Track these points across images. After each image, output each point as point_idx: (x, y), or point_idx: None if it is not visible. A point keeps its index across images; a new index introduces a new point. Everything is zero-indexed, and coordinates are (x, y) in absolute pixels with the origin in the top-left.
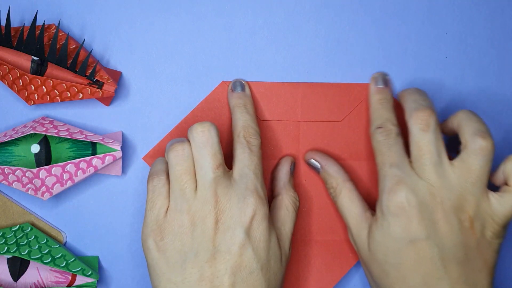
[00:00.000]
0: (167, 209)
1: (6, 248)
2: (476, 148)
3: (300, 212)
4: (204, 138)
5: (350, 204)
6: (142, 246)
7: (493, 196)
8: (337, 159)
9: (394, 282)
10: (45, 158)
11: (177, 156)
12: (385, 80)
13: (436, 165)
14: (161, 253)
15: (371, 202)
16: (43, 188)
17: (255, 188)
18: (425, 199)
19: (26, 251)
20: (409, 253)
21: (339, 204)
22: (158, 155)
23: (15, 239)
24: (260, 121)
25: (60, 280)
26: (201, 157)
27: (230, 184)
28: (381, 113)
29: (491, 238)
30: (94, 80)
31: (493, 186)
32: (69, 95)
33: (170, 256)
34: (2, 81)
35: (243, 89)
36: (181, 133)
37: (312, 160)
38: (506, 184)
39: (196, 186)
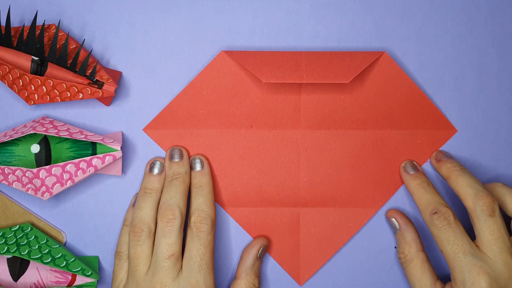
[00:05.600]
0: (125, 283)
1: (6, 248)
2: None
3: (301, 182)
4: (167, 228)
5: (421, 275)
6: None
7: None
8: (338, 128)
9: None
10: (45, 158)
11: (133, 240)
12: (414, 166)
13: (510, 247)
14: None
15: (374, 175)
16: (43, 188)
17: (196, 283)
18: (506, 283)
19: (26, 251)
20: None
21: (408, 272)
22: (158, 127)
23: (15, 239)
24: (261, 84)
25: (60, 280)
26: (158, 244)
27: (176, 275)
28: (428, 197)
29: None
30: (94, 80)
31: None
32: (69, 95)
33: None
34: (2, 81)
35: (202, 166)
36: (180, 105)
37: (393, 219)
38: None
39: (149, 268)
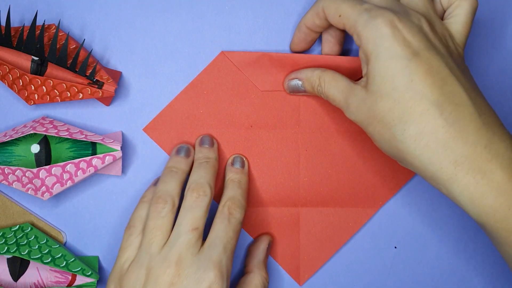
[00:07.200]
0: (133, 260)
1: (6, 248)
2: None
3: (301, 182)
4: (195, 203)
5: (336, 81)
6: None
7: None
8: (338, 128)
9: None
10: (45, 158)
11: (155, 211)
12: None
13: None
14: None
15: (375, 175)
16: (43, 188)
17: (219, 262)
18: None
19: (26, 251)
20: (418, 66)
21: (326, 90)
22: (158, 127)
23: (15, 239)
24: (260, 92)
25: (60, 280)
26: (183, 216)
27: (196, 252)
28: None
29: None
30: (94, 80)
31: None
32: (69, 95)
33: None
34: (2, 81)
35: (242, 165)
36: (180, 105)
37: (291, 82)
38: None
39: (166, 243)
